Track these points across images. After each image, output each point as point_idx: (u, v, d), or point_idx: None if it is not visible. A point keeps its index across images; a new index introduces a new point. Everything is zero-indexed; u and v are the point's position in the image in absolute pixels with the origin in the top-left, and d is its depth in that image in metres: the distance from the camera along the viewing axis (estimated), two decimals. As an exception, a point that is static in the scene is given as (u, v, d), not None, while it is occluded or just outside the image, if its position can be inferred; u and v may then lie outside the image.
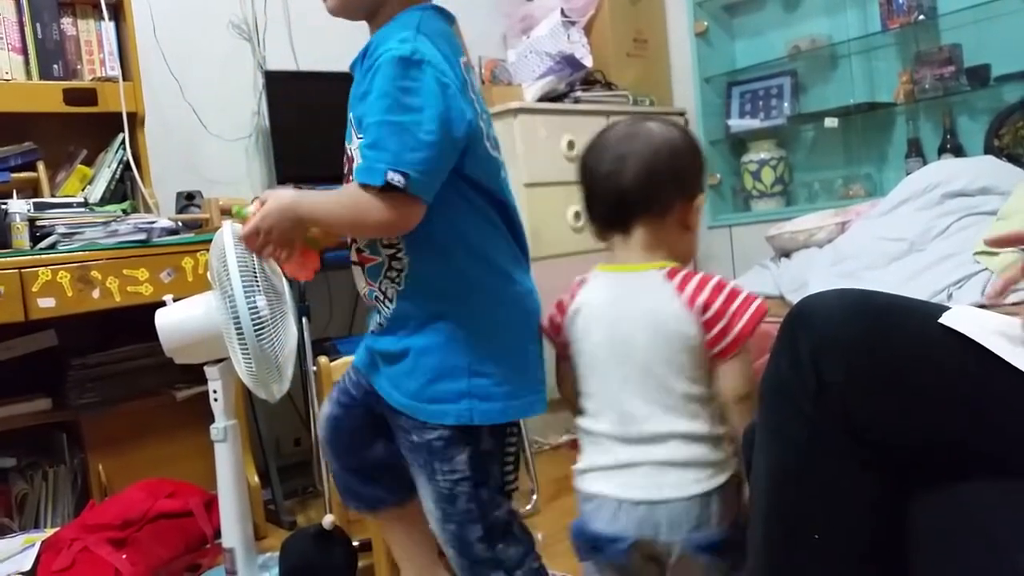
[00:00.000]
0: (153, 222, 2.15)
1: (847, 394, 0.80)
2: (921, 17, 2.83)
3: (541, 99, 2.99)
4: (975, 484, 0.79)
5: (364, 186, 1.10)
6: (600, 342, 1.16)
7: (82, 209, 2.18)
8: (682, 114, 3.46)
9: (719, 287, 1.11)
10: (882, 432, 0.80)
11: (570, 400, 1.25)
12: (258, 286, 1.60)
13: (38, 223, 2.07)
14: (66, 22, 2.37)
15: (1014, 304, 0.86)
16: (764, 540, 0.87)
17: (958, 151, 2.79)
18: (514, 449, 1.28)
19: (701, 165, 1.22)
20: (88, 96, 2.32)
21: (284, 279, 1.74)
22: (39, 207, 2.11)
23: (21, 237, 2.02)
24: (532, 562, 1.25)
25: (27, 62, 2.30)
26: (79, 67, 2.39)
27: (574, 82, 3.09)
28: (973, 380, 0.79)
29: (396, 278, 1.21)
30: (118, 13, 2.43)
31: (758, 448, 0.89)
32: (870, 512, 0.81)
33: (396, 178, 1.07)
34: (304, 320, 2.19)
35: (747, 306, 1.10)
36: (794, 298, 2.26)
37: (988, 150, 2.71)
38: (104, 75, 2.38)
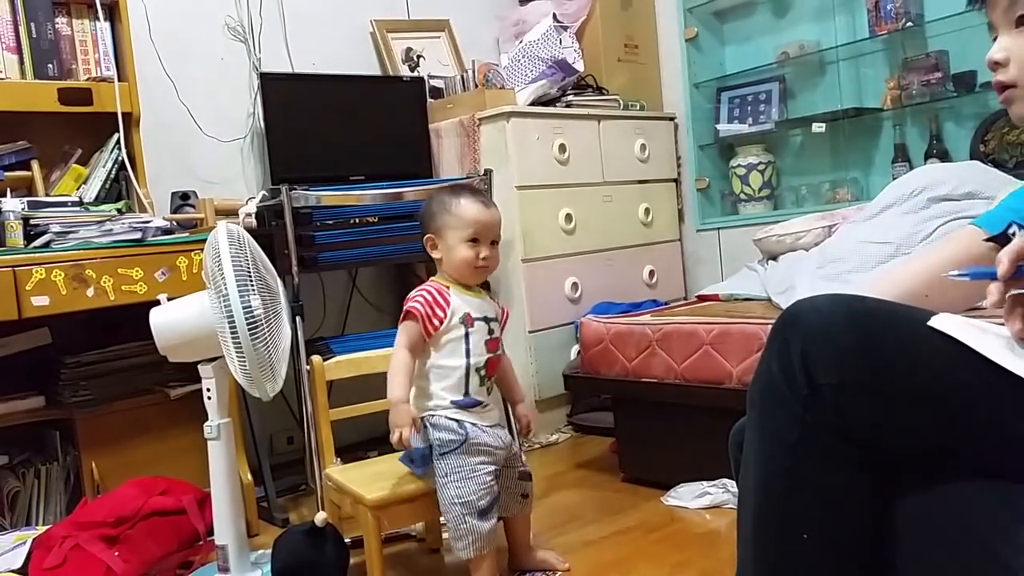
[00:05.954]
0: (148, 222, 2.16)
1: (838, 396, 0.81)
2: (908, 24, 2.87)
3: (533, 103, 3.01)
4: (961, 483, 0.81)
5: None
6: None
7: (77, 208, 2.19)
8: (672, 118, 3.49)
9: None
10: (872, 433, 0.82)
11: None
12: (252, 285, 1.62)
13: (32, 221, 2.08)
14: (61, 22, 2.38)
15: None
16: (754, 538, 0.88)
17: (944, 156, 2.83)
18: None
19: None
20: (83, 96, 2.33)
21: (278, 278, 1.76)
22: (33, 206, 2.12)
23: (15, 235, 2.03)
24: None
25: (21, 61, 2.31)
26: (74, 67, 2.40)
27: (566, 86, 3.12)
28: (961, 381, 0.81)
29: None
30: (113, 13, 2.45)
31: (748, 447, 0.90)
32: (858, 510, 0.83)
33: (1015, 230, 1.05)
34: (298, 320, 2.20)
35: None
36: (780, 300, 2.29)
37: (974, 155, 2.74)
38: (99, 75, 2.39)
